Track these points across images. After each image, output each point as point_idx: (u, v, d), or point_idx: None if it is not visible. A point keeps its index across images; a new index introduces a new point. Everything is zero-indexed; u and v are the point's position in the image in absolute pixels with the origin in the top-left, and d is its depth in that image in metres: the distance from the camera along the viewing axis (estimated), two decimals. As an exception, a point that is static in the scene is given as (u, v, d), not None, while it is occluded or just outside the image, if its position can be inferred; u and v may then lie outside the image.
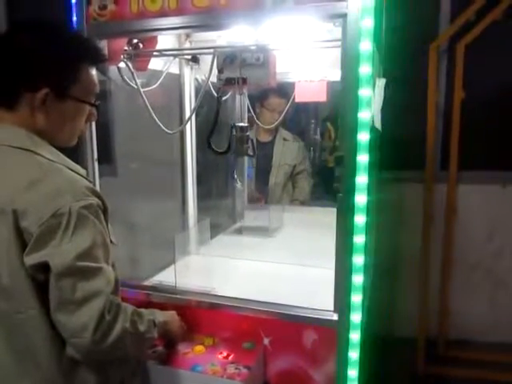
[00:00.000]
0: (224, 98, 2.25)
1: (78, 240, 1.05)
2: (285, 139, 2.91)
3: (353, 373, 1.56)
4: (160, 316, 1.40)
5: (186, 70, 2.23)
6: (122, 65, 1.81)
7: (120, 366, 1.24)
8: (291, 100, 2.24)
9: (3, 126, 1.14)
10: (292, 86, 2.61)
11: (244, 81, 1.55)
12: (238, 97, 2.54)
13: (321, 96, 2.07)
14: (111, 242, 1.18)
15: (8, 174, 1.09)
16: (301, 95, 2.11)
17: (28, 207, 1.04)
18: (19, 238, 1.05)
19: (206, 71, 1.94)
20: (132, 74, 1.80)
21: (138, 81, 1.84)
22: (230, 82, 1.55)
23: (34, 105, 1.13)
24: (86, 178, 1.19)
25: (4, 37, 1.15)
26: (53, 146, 1.19)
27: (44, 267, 1.05)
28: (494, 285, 3.19)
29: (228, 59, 1.53)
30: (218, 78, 1.58)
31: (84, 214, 1.07)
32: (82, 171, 1.20)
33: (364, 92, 1.40)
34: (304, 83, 2.10)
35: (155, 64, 2.00)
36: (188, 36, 1.90)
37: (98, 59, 1.23)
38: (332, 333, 1.55)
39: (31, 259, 1.05)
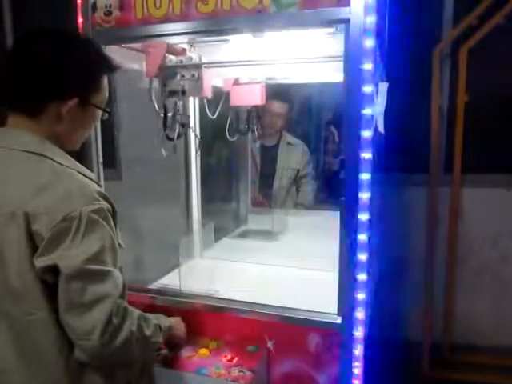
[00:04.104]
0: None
1: (87, 244, 1.07)
2: (289, 143, 2.91)
3: (357, 371, 1.56)
4: (165, 321, 1.41)
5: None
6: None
7: (126, 368, 1.25)
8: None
9: (15, 130, 1.16)
10: (292, 88, 2.63)
11: (183, 92, 1.80)
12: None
13: (256, 100, 2.10)
14: (120, 245, 1.20)
15: (20, 177, 1.11)
16: (236, 99, 2.11)
17: (39, 211, 1.06)
18: (30, 240, 1.07)
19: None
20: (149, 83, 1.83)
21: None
22: (172, 93, 1.82)
23: (61, 113, 1.15)
24: (96, 182, 1.20)
25: (22, 46, 1.16)
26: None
27: (54, 270, 1.06)
28: (498, 288, 3.18)
29: (171, 75, 1.80)
30: (163, 91, 1.84)
31: (94, 218, 1.08)
32: (92, 175, 1.22)
33: (366, 90, 1.42)
34: (239, 87, 2.09)
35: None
36: (191, 45, 1.94)
37: (114, 68, 1.25)
38: (336, 336, 1.55)
39: (41, 262, 1.06)
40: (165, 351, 1.59)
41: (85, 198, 1.09)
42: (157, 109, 1.85)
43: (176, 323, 1.54)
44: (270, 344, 1.67)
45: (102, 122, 1.60)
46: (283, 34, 1.59)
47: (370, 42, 1.39)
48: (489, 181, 3.08)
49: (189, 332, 1.61)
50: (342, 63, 1.44)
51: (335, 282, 1.53)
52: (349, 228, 1.49)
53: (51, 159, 1.13)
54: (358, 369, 1.56)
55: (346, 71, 1.42)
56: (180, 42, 1.81)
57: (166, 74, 1.80)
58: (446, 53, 2.99)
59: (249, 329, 1.68)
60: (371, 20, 1.38)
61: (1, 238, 1.08)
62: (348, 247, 1.49)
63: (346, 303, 1.52)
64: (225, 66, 1.89)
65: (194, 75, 1.79)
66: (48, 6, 3.48)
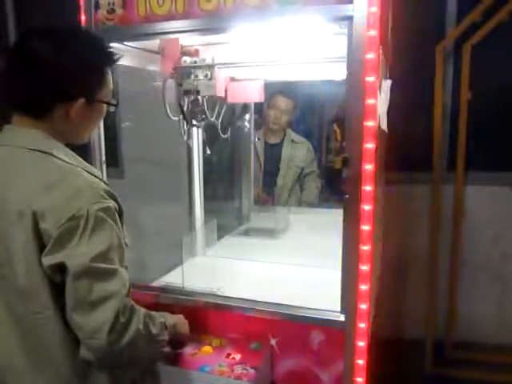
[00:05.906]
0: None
1: (95, 242, 1.07)
2: (293, 141, 2.91)
3: (360, 368, 1.56)
4: (170, 319, 1.41)
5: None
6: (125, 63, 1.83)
7: (131, 366, 1.25)
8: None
9: (22, 128, 1.16)
10: (297, 85, 2.63)
11: (197, 92, 1.89)
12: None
13: (255, 96, 2.06)
14: (126, 244, 1.20)
15: (27, 176, 1.11)
16: (233, 96, 2.05)
17: (47, 209, 1.06)
18: (38, 239, 1.07)
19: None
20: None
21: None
22: (187, 92, 1.91)
23: (69, 115, 1.15)
24: (103, 181, 1.20)
25: (23, 47, 1.14)
26: (67, 145, 1.21)
27: (61, 268, 1.06)
28: (501, 287, 3.17)
29: (185, 75, 1.88)
30: (179, 90, 1.94)
31: (101, 216, 1.08)
32: (98, 173, 1.22)
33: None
34: (236, 83, 2.04)
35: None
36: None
37: (115, 60, 1.24)
38: (339, 334, 1.55)
39: (49, 260, 1.06)
40: (167, 348, 1.59)
41: (92, 197, 1.09)
42: (167, 107, 1.91)
43: (180, 320, 1.54)
44: (273, 342, 1.67)
45: (105, 120, 1.61)
46: (287, 32, 1.59)
47: (373, 39, 1.39)
48: (492, 179, 3.07)
49: (192, 330, 1.61)
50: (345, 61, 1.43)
51: (338, 280, 1.53)
52: (352, 220, 1.48)
53: (58, 157, 1.13)
54: (361, 366, 1.57)
55: (350, 68, 1.41)
56: (193, 43, 1.88)
57: (181, 73, 1.89)
58: (449, 50, 2.97)
59: (252, 326, 1.68)
60: (374, 17, 1.38)
61: (8, 236, 1.09)
62: (351, 240, 1.49)
63: (349, 301, 1.52)
64: (237, 67, 1.94)
65: (207, 75, 1.87)
66: (50, 5, 3.48)
